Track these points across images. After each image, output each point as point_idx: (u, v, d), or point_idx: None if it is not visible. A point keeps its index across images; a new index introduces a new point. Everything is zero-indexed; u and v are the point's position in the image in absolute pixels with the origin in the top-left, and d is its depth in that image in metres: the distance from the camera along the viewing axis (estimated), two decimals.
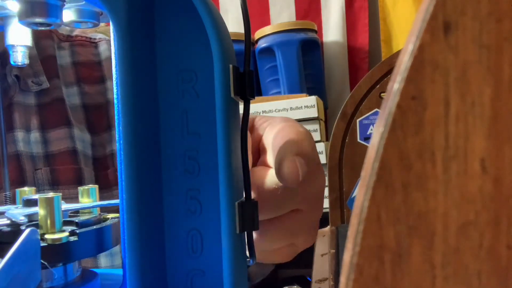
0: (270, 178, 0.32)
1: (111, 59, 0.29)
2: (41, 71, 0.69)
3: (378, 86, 0.52)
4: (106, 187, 0.69)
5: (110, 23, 0.25)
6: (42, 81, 0.69)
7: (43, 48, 0.71)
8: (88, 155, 0.71)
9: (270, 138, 0.34)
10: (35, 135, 0.68)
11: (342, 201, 0.51)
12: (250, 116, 0.27)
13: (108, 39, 0.75)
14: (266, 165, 0.35)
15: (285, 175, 0.27)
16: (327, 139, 1.03)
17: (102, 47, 0.74)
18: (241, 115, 0.26)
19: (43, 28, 0.33)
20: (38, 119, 0.68)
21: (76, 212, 0.35)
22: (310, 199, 0.35)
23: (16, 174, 0.66)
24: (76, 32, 0.75)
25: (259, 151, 0.36)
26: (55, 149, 0.68)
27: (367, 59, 1.36)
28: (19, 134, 0.67)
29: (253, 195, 0.32)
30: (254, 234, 0.34)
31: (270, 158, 0.34)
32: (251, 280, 0.58)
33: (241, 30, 0.26)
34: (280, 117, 0.37)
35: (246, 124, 0.25)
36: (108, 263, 0.67)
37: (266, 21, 1.36)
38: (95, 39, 0.75)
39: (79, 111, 0.72)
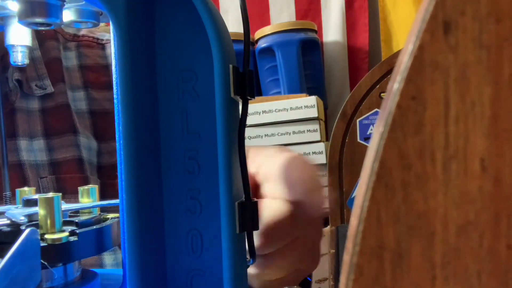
0: (278, 209, 0.33)
1: None
2: (45, 74, 0.66)
3: (378, 86, 0.52)
4: (113, 197, 0.65)
5: (110, 23, 0.25)
6: (46, 85, 0.66)
7: (48, 50, 0.68)
8: (94, 164, 0.68)
9: (272, 169, 0.35)
10: (39, 142, 0.65)
11: (342, 201, 0.51)
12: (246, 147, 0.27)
13: None
14: (267, 196, 0.35)
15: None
16: (327, 139, 1.03)
17: (109, 50, 0.71)
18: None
19: (43, 28, 0.33)
20: (42, 125, 0.66)
21: (76, 212, 0.35)
22: (310, 223, 0.35)
23: (19, 184, 0.62)
24: (83, 31, 0.72)
25: (255, 183, 0.36)
26: (60, 157, 0.65)
27: (367, 59, 1.36)
28: (22, 143, 0.65)
29: (260, 228, 0.32)
30: (258, 267, 0.34)
31: (275, 189, 0.34)
32: None
33: (241, 30, 0.26)
34: (272, 146, 0.37)
35: (244, 125, 0.25)
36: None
37: (266, 21, 1.36)
38: (102, 40, 0.72)
39: (86, 117, 0.69)
